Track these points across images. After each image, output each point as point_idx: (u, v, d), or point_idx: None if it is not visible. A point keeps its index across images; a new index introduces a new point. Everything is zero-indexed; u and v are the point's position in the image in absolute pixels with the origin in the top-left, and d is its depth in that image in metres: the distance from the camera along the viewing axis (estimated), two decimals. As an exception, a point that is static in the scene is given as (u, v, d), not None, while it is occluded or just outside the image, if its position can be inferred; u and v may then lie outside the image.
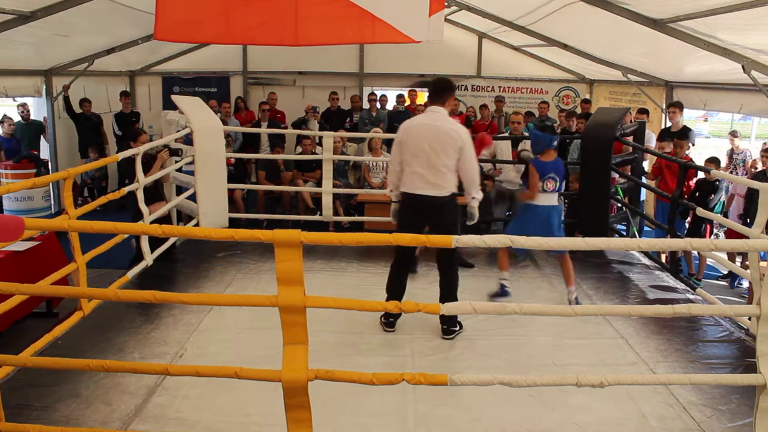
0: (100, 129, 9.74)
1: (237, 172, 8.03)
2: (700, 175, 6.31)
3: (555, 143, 4.78)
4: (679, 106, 7.33)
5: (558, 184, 4.77)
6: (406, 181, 4.10)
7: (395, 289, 4.27)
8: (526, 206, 4.87)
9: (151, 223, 5.13)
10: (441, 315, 3.73)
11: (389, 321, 4.24)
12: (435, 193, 4.01)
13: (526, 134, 7.36)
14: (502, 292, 4.88)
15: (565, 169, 5.02)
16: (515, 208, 7.33)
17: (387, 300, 4.17)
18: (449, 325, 4.14)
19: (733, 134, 8.53)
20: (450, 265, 4.21)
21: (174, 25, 4.82)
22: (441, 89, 4.09)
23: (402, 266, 4.31)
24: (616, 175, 6.67)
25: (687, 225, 6.52)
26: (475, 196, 4.15)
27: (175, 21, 4.81)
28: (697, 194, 6.22)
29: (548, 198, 4.77)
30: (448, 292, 4.18)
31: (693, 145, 7.15)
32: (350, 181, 8.05)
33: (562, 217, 4.98)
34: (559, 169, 4.77)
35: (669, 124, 7.52)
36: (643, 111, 7.94)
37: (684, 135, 6.91)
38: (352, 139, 8.65)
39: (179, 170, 6.22)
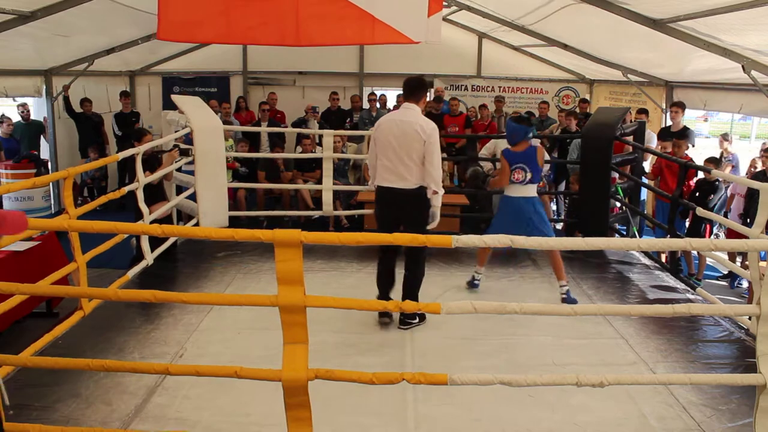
0: (101, 129, 9.74)
1: (250, 172, 8.12)
2: (700, 175, 6.31)
3: (530, 135, 4.85)
4: (682, 106, 7.31)
5: (530, 175, 4.76)
6: (378, 174, 4.27)
7: (384, 284, 4.41)
8: (502, 201, 4.96)
9: (152, 222, 5.14)
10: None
11: (383, 315, 4.34)
12: (402, 186, 4.14)
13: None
14: (471, 284, 5.09)
15: (554, 167, 5.04)
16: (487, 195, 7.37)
17: (378, 296, 4.37)
18: (406, 316, 4.23)
19: (725, 137, 8.48)
20: (417, 261, 4.32)
21: (176, 25, 4.84)
22: (413, 87, 4.23)
23: (386, 261, 4.40)
24: (616, 175, 6.68)
25: (687, 224, 6.53)
26: (436, 191, 4.16)
27: (177, 21, 4.83)
28: (697, 194, 6.22)
29: (520, 189, 4.80)
30: (410, 290, 4.30)
31: (693, 145, 7.16)
32: (350, 181, 8.05)
33: (543, 210, 4.98)
34: (530, 159, 4.76)
35: (669, 123, 7.52)
36: (643, 111, 7.94)
37: (683, 135, 6.92)
38: (352, 139, 8.66)
39: (179, 170, 6.23)
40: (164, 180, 5.79)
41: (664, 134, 7.39)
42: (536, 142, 6.88)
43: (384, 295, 4.39)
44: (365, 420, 3.15)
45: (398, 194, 4.18)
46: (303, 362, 2.49)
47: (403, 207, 4.21)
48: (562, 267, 4.83)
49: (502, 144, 6.79)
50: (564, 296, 4.82)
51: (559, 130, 8.72)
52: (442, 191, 4.20)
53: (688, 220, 6.50)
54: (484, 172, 4.98)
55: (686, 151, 6.65)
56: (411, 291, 4.30)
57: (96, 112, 9.69)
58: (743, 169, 8.31)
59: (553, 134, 8.77)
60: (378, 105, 9.81)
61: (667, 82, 8.71)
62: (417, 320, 4.29)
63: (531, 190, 4.84)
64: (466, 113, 9.55)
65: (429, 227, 4.22)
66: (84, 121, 9.47)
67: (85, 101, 9.49)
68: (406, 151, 4.09)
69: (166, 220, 5.73)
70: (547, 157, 7.18)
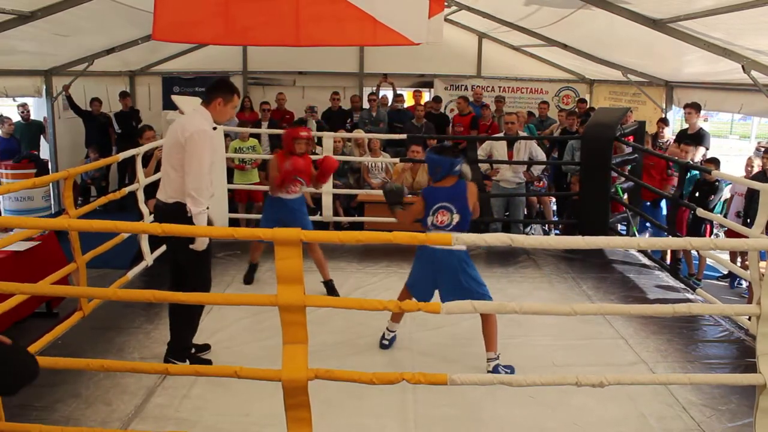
0: (108, 129, 9.68)
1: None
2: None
3: (457, 168, 3.69)
4: (696, 107, 7.11)
5: (457, 217, 3.62)
6: None
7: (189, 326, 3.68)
8: (418, 250, 3.74)
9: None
10: (169, 342, 3.60)
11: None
12: (162, 198, 3.50)
13: (523, 134, 7.38)
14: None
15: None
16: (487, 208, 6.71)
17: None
18: (172, 355, 3.57)
19: (664, 122, 8.24)
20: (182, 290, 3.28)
21: (173, 25, 4.80)
22: (208, 88, 3.57)
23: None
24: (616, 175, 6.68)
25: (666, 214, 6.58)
26: (192, 211, 3.34)
27: (174, 21, 4.79)
28: (697, 194, 6.22)
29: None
30: (172, 330, 3.62)
31: (707, 149, 7.03)
32: (350, 182, 8.05)
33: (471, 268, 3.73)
34: (458, 198, 3.64)
35: (686, 125, 7.43)
36: (663, 120, 7.86)
37: (698, 139, 6.84)
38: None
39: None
40: None
41: (681, 137, 7.24)
42: (534, 147, 6.90)
43: None
44: (365, 420, 3.15)
45: (157, 209, 3.54)
46: (303, 362, 2.49)
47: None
48: (494, 335, 3.74)
49: (498, 145, 6.80)
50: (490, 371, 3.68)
51: (559, 131, 8.72)
52: (198, 210, 3.33)
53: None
54: (400, 195, 3.95)
55: (695, 157, 6.56)
56: (173, 331, 3.60)
57: (104, 112, 9.69)
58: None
59: (553, 134, 8.77)
60: (378, 105, 9.81)
61: (667, 82, 8.71)
62: (185, 362, 3.53)
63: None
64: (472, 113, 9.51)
65: (192, 247, 3.39)
66: (91, 120, 9.47)
67: (95, 101, 9.48)
68: (167, 156, 3.46)
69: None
70: (543, 156, 7.18)
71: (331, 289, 4.89)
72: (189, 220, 3.35)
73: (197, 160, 3.34)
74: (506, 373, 3.66)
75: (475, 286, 3.63)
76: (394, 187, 4.00)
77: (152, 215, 3.73)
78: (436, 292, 3.73)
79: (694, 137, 6.85)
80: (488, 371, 3.67)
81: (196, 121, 3.43)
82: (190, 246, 3.39)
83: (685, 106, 7.42)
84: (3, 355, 1.70)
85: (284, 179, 4.71)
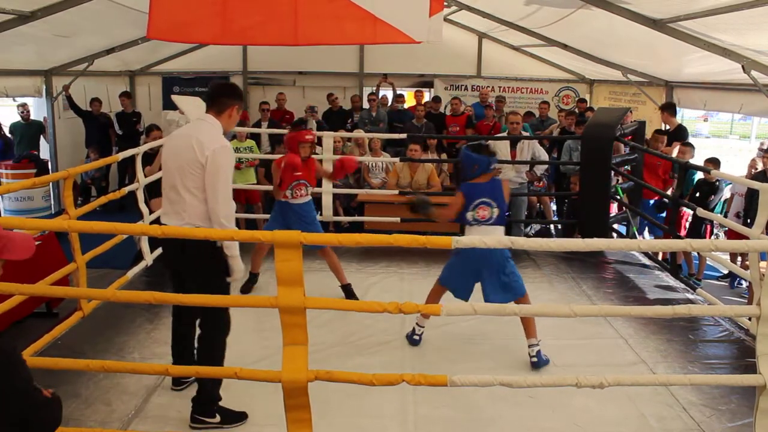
0: (108, 130, 9.65)
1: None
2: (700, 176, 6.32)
3: (493, 166, 3.89)
4: (671, 108, 7.38)
5: (497, 212, 3.77)
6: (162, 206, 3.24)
7: (175, 351, 3.36)
8: (456, 250, 3.70)
9: (155, 221, 5.17)
10: (192, 399, 3.11)
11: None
12: (175, 223, 3.04)
13: (525, 134, 7.38)
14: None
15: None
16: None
17: (174, 362, 3.31)
18: (198, 409, 3.10)
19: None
20: (214, 328, 3.13)
21: (168, 24, 4.74)
22: (213, 93, 3.16)
23: (179, 321, 3.33)
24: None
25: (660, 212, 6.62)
26: (223, 242, 2.99)
27: (170, 20, 4.73)
28: (697, 195, 6.22)
29: (485, 231, 3.74)
30: (203, 357, 3.15)
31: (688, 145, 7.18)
32: (350, 181, 8.05)
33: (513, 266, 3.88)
34: (497, 193, 3.80)
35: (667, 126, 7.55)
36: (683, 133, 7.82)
37: (681, 136, 6.96)
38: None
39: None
40: None
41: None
42: (537, 147, 6.90)
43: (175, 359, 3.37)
44: (365, 421, 3.15)
45: (169, 238, 3.04)
46: (303, 363, 2.50)
47: (178, 254, 3.04)
48: (532, 326, 3.85)
49: (501, 145, 6.79)
50: (534, 359, 3.81)
51: (558, 130, 8.72)
52: (229, 228, 3.01)
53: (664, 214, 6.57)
54: (429, 201, 3.98)
55: (673, 151, 6.68)
56: (204, 359, 3.13)
57: (104, 112, 9.68)
58: None
59: (553, 134, 8.77)
60: (378, 105, 9.80)
61: (667, 82, 8.71)
62: (217, 419, 3.10)
63: (499, 233, 3.85)
64: (467, 113, 9.52)
65: (230, 280, 3.10)
66: (91, 120, 9.47)
67: (94, 101, 9.48)
68: (180, 177, 3.00)
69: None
70: (546, 156, 7.18)
71: (349, 293, 4.80)
72: (215, 251, 2.94)
73: (224, 181, 2.97)
74: (545, 360, 3.81)
75: (514, 279, 3.82)
76: (418, 200, 4.03)
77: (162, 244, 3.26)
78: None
79: (674, 134, 6.99)
80: (531, 356, 3.80)
81: (213, 135, 3.02)
82: (228, 279, 3.06)
83: (661, 108, 7.51)
84: (43, 410, 1.75)
85: (284, 178, 4.66)
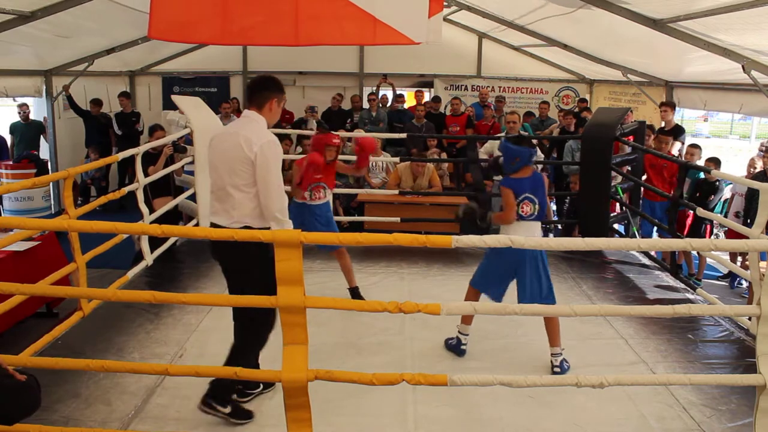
0: (108, 130, 9.64)
1: None
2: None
3: (534, 158, 3.88)
4: (671, 105, 7.38)
5: (538, 208, 3.73)
6: (210, 206, 3.20)
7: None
8: (490, 250, 3.82)
9: (159, 217, 5.18)
10: (211, 381, 3.05)
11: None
12: (224, 222, 3.02)
13: (523, 133, 7.38)
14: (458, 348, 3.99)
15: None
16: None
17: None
18: (213, 392, 3.05)
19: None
20: (248, 325, 3.10)
21: (169, 24, 4.75)
22: (253, 89, 3.15)
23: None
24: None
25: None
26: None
27: (171, 20, 4.73)
28: (697, 195, 6.22)
29: (528, 228, 3.72)
30: (237, 356, 3.07)
31: (682, 143, 7.19)
32: (350, 181, 8.05)
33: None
34: (538, 188, 3.74)
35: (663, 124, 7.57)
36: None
37: (676, 133, 6.98)
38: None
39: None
40: (175, 175, 5.92)
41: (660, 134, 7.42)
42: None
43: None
44: (365, 421, 3.15)
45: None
46: (303, 363, 2.49)
47: (226, 253, 3.03)
48: (557, 331, 3.77)
49: (498, 145, 6.79)
50: (557, 368, 3.71)
51: (558, 130, 8.72)
52: (286, 227, 2.97)
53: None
54: (479, 209, 3.89)
55: (672, 149, 6.67)
56: (235, 357, 3.06)
57: (104, 112, 9.68)
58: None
59: (553, 134, 8.77)
60: (378, 105, 9.80)
61: (667, 82, 8.71)
62: (227, 410, 3.07)
63: (538, 229, 3.84)
64: (467, 113, 9.53)
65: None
66: (91, 120, 9.47)
67: (94, 103, 9.47)
68: (229, 175, 2.99)
69: (171, 216, 5.77)
70: (541, 157, 7.19)
71: (356, 296, 4.77)
72: (263, 246, 2.72)
73: (275, 175, 2.96)
74: (567, 368, 3.72)
75: (546, 275, 3.72)
76: (466, 209, 3.96)
77: (211, 247, 3.13)
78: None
79: (671, 132, 7.00)
80: (554, 365, 3.70)
81: (259, 131, 3.01)
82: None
83: (661, 105, 7.52)
84: (17, 394, 1.75)
85: (305, 177, 4.56)
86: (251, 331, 3.10)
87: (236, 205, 2.99)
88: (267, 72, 10.89)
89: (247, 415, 3.14)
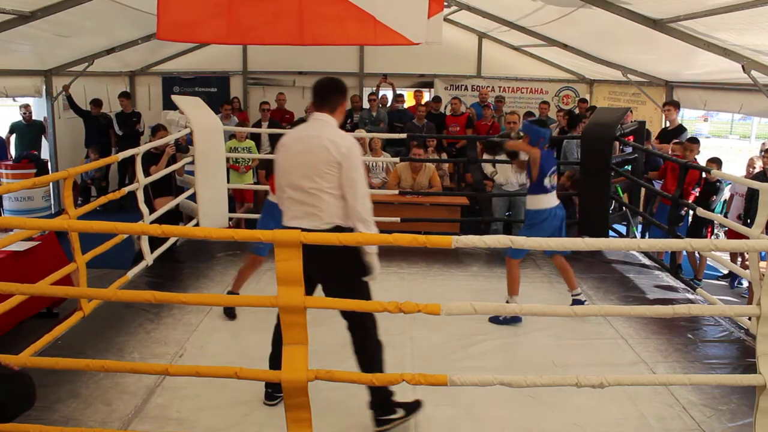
0: (108, 130, 9.63)
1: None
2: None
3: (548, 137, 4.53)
4: (675, 105, 7.40)
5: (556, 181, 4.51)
6: (284, 210, 3.12)
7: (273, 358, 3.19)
8: (539, 214, 4.39)
9: (159, 217, 5.18)
10: (370, 400, 3.05)
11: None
12: (311, 225, 2.95)
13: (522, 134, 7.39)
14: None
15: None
16: (514, 209, 7.28)
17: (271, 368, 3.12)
18: (380, 412, 3.06)
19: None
20: (358, 328, 3.09)
21: (176, 25, 4.80)
22: (323, 92, 3.12)
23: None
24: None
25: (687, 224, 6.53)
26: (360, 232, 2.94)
27: (178, 21, 4.79)
28: (698, 195, 6.22)
29: (554, 198, 4.41)
30: (363, 363, 3.06)
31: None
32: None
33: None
34: (556, 163, 4.53)
35: (667, 123, 7.57)
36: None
37: (680, 133, 6.98)
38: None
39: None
40: (176, 174, 5.96)
41: (663, 135, 7.41)
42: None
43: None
44: (365, 421, 3.14)
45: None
46: (303, 363, 2.49)
47: (315, 256, 2.83)
48: (572, 275, 4.60)
49: None
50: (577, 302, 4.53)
51: (557, 130, 8.72)
52: (374, 230, 3.01)
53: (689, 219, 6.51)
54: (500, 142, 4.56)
55: (696, 155, 6.58)
56: (364, 364, 3.06)
57: (104, 112, 9.67)
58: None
59: (552, 134, 8.77)
60: (378, 105, 9.81)
61: (667, 82, 8.71)
62: (397, 416, 3.06)
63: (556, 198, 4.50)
64: (467, 113, 9.53)
65: (367, 279, 3.05)
66: (91, 120, 9.47)
67: (94, 104, 9.46)
68: (311, 178, 2.97)
69: (172, 215, 5.77)
70: None
71: None
72: (353, 251, 2.83)
73: (362, 177, 2.98)
74: (583, 302, 4.52)
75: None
76: (495, 140, 4.88)
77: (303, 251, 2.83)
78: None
79: (675, 132, 7.02)
80: (574, 302, 4.48)
81: (340, 133, 3.03)
82: (363, 278, 3.00)
83: (664, 104, 7.53)
84: (9, 382, 1.75)
85: None
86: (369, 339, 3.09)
87: (325, 208, 2.97)
88: (267, 72, 11.00)
89: (417, 405, 3.10)
